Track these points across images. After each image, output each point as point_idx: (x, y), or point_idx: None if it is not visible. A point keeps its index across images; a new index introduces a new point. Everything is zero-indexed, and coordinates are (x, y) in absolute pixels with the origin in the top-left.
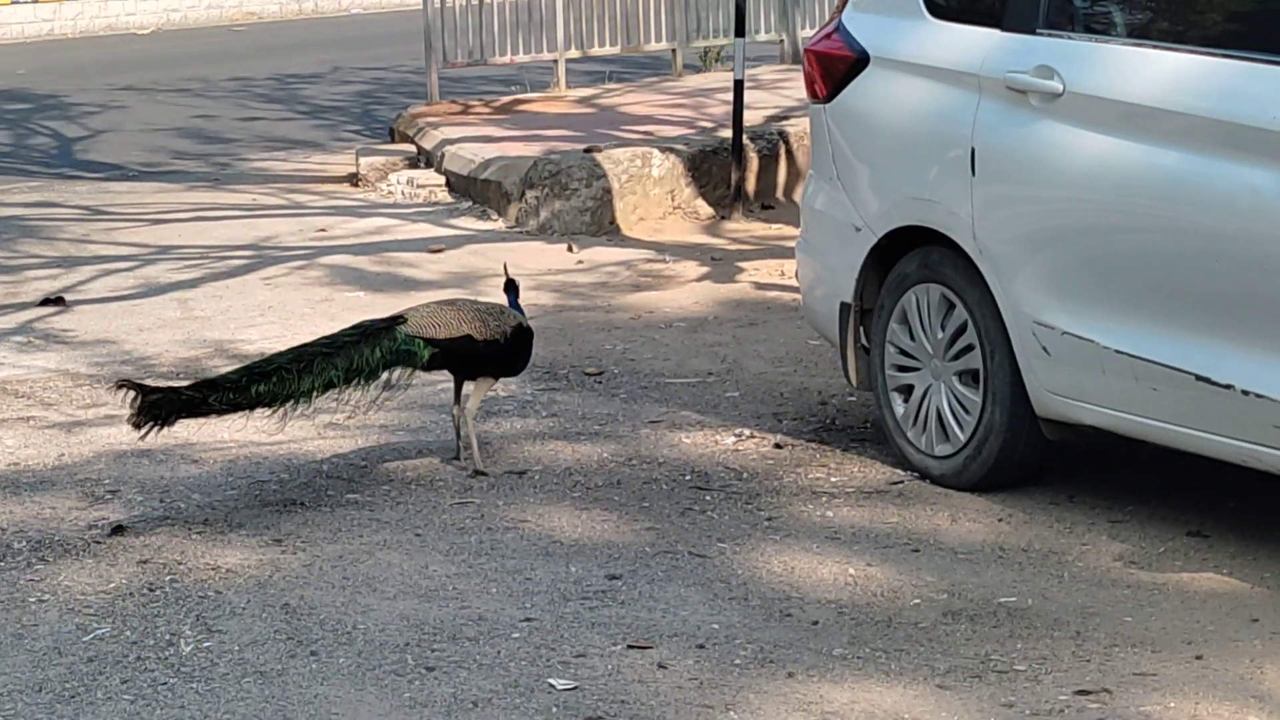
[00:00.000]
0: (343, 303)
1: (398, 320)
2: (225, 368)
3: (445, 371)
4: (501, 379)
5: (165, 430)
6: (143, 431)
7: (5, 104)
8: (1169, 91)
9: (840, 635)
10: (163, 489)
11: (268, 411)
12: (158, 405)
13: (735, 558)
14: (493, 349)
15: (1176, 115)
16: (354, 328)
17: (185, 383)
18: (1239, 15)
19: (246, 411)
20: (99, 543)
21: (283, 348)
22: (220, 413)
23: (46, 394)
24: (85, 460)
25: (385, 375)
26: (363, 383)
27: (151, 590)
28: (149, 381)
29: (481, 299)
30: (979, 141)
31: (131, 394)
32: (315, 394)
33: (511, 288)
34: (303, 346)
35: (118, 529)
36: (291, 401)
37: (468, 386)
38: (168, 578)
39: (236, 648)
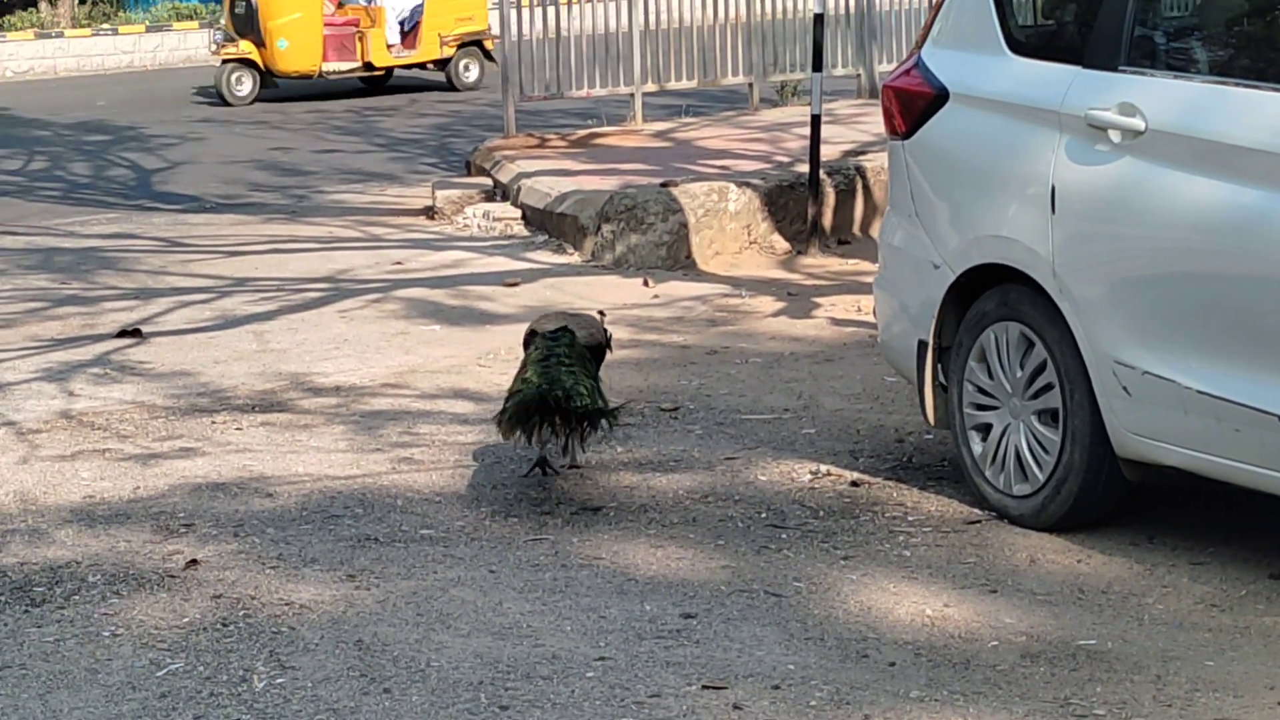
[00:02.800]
0: (418, 336)
1: (569, 332)
2: (302, 401)
3: None
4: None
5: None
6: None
7: (85, 135)
8: (1252, 130)
9: (917, 677)
10: (237, 523)
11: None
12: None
13: (811, 597)
14: (601, 357)
15: (1259, 154)
16: (554, 340)
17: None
18: None
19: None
20: (173, 577)
21: (362, 380)
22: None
23: (123, 426)
24: (160, 493)
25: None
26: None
27: (225, 625)
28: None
29: (565, 309)
30: (1059, 179)
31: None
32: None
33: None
34: (556, 362)
35: (192, 563)
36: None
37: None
38: (241, 613)
39: (309, 684)
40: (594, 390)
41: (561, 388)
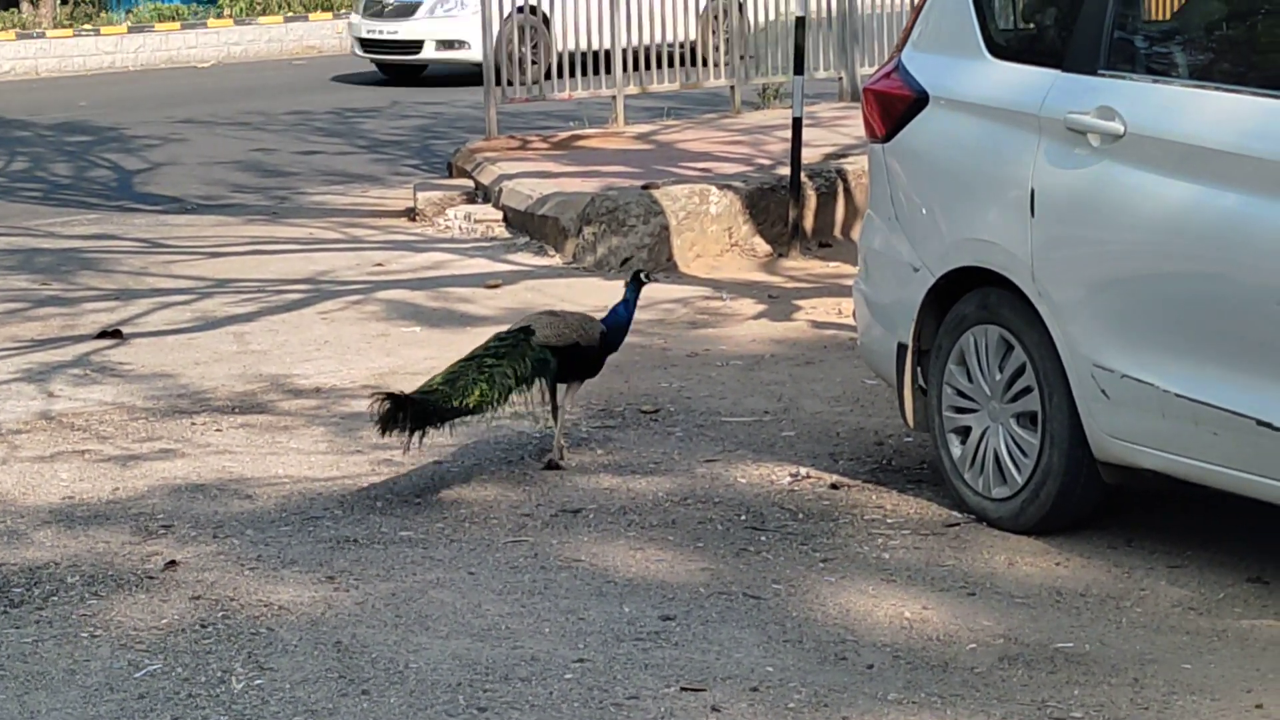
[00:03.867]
0: (399, 338)
1: (528, 331)
2: (282, 402)
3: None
4: (585, 380)
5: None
6: (386, 435)
7: (66, 136)
8: (1231, 133)
9: (895, 679)
10: (216, 524)
11: (471, 418)
12: (415, 416)
13: (790, 599)
14: (589, 354)
15: (1238, 158)
16: (500, 339)
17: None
18: None
19: (462, 418)
20: (152, 578)
21: (342, 382)
22: (447, 419)
23: (102, 427)
24: (140, 494)
25: (535, 384)
26: (526, 390)
27: (204, 626)
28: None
29: (570, 308)
30: (1039, 182)
31: (387, 403)
32: (500, 403)
33: (636, 283)
34: (475, 359)
35: (171, 564)
36: (490, 410)
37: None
38: (220, 614)
39: (288, 686)
40: (467, 391)
41: (439, 390)
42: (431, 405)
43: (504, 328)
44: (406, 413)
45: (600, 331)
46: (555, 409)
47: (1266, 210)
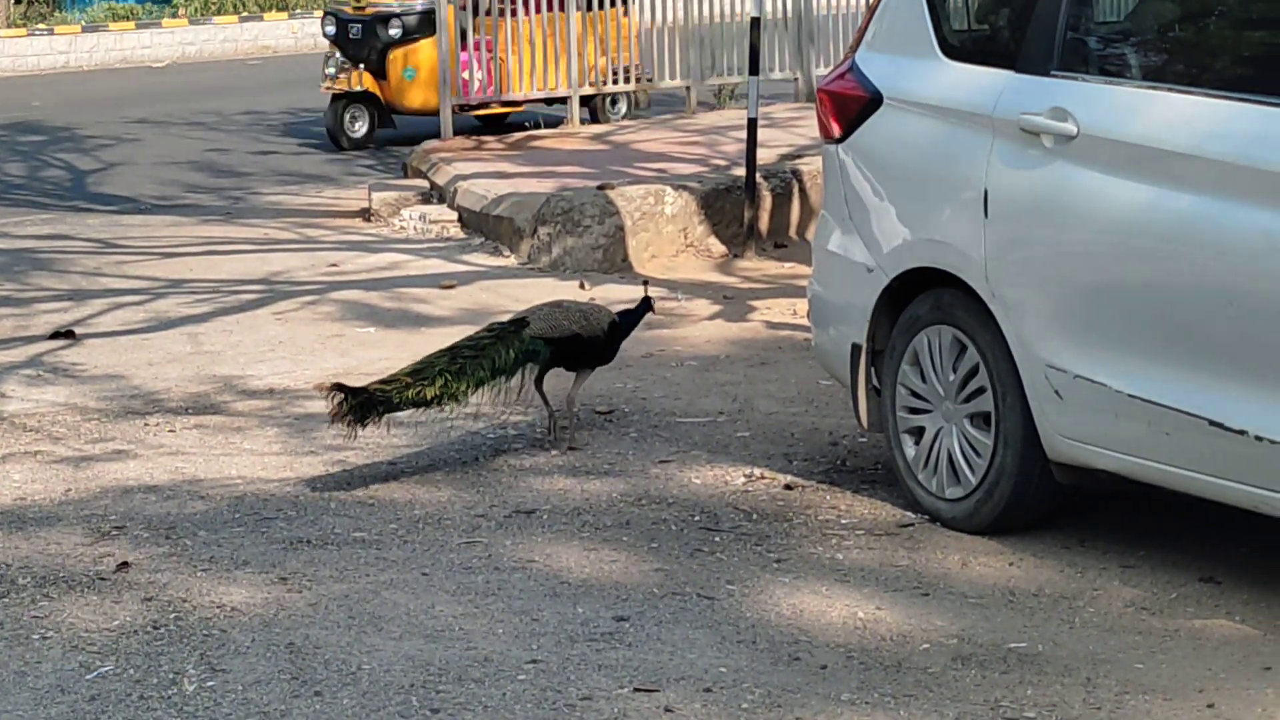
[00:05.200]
0: (354, 338)
1: (522, 323)
2: (236, 403)
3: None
4: (598, 368)
5: (362, 429)
6: (341, 428)
7: (20, 136)
8: (1183, 135)
9: (849, 680)
10: (169, 525)
11: (435, 410)
12: (358, 407)
13: (744, 600)
14: (594, 344)
15: (1191, 159)
16: (487, 330)
17: (370, 382)
18: (1253, 59)
19: (422, 409)
20: (104, 579)
21: (296, 383)
22: (401, 409)
23: (55, 428)
24: (92, 495)
25: (519, 374)
26: (504, 381)
27: (156, 628)
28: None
29: (580, 300)
30: (992, 183)
31: (339, 395)
32: (470, 394)
33: (647, 306)
34: (453, 349)
35: (123, 565)
36: (454, 402)
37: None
38: (172, 615)
39: (240, 687)
40: (430, 381)
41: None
42: (381, 397)
43: (454, 332)
44: (348, 402)
45: (610, 321)
46: (544, 398)
47: (1219, 211)
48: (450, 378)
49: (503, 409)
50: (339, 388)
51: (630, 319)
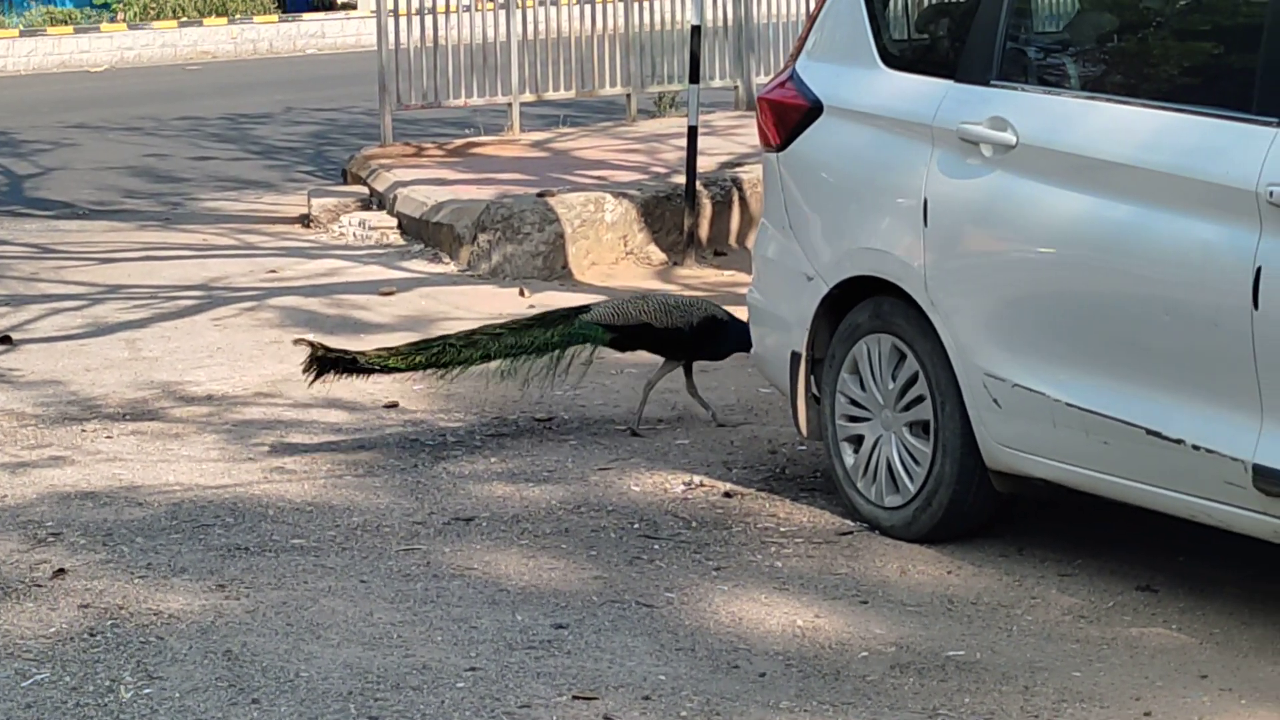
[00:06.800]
0: (293, 345)
1: (583, 309)
2: (174, 409)
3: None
4: (700, 362)
5: (322, 382)
6: (310, 380)
7: None
8: (1122, 145)
9: (788, 688)
10: (106, 532)
11: (426, 373)
12: (325, 362)
13: (683, 608)
14: (673, 335)
15: (1129, 169)
16: (537, 314)
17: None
18: (1191, 70)
19: (403, 373)
20: (40, 586)
21: (234, 389)
22: (372, 372)
23: None
24: (29, 502)
25: (558, 353)
26: (530, 358)
27: (92, 635)
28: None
29: (687, 295)
30: (931, 192)
31: (309, 350)
32: (473, 364)
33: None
34: (481, 327)
35: (59, 572)
36: (449, 367)
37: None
38: (109, 622)
39: (177, 695)
40: (417, 354)
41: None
42: (349, 357)
43: (393, 338)
44: (316, 361)
45: (707, 318)
46: (700, 399)
47: (1157, 221)
48: (449, 348)
49: (545, 385)
50: (311, 344)
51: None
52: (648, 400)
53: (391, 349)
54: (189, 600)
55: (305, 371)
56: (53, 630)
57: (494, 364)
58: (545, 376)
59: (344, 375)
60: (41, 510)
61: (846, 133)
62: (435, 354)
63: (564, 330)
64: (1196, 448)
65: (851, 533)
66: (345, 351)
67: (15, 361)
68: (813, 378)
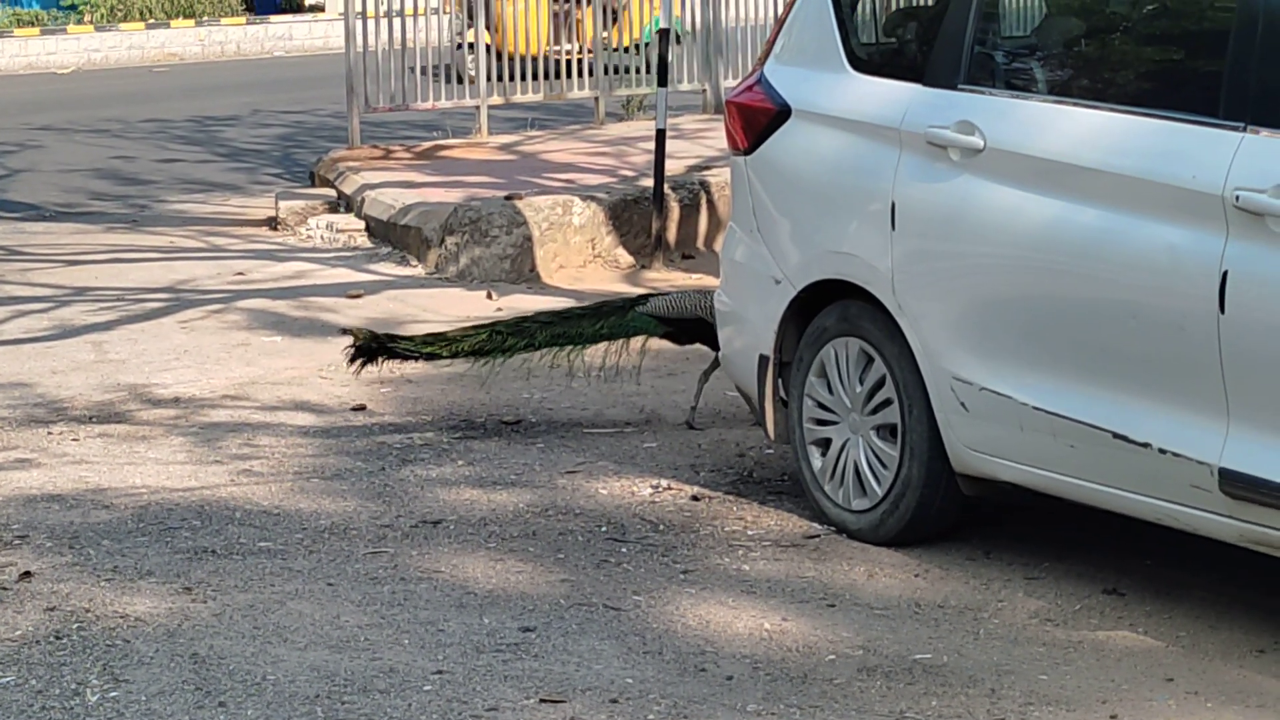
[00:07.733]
0: (260, 347)
1: (640, 301)
2: (141, 412)
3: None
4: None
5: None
6: (357, 369)
7: None
8: (1088, 149)
9: (755, 691)
10: (72, 534)
11: (473, 361)
12: (366, 350)
13: (650, 611)
14: (694, 328)
15: (1095, 173)
16: (592, 305)
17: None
18: (1157, 74)
19: (449, 360)
20: (6, 589)
21: (201, 391)
22: (410, 359)
23: None
24: None
25: (606, 344)
26: (578, 348)
27: (58, 638)
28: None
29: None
30: (899, 196)
31: (351, 339)
32: (518, 352)
33: None
34: (533, 314)
35: (25, 575)
36: (494, 355)
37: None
38: (75, 625)
39: (144, 698)
40: (471, 337)
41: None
42: (391, 343)
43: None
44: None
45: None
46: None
47: (1123, 225)
48: (496, 337)
49: (599, 372)
50: (354, 333)
51: None
52: (701, 392)
53: (437, 334)
54: (155, 603)
55: (350, 362)
56: (18, 633)
57: (538, 354)
58: (599, 366)
59: (384, 362)
60: (7, 513)
61: (814, 136)
62: (482, 341)
63: (616, 322)
64: (1163, 451)
65: (819, 536)
66: (391, 337)
67: None
68: (780, 381)
